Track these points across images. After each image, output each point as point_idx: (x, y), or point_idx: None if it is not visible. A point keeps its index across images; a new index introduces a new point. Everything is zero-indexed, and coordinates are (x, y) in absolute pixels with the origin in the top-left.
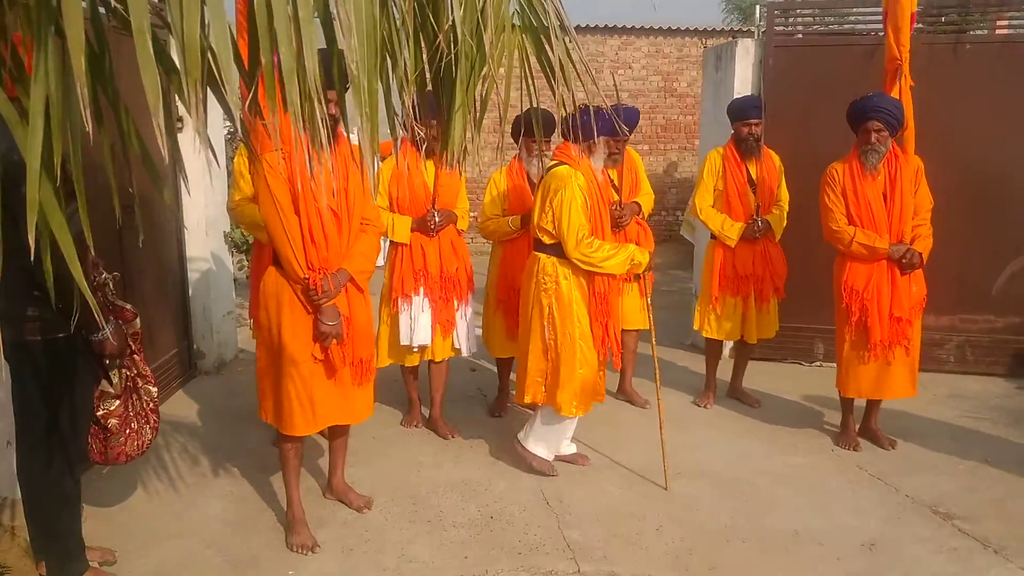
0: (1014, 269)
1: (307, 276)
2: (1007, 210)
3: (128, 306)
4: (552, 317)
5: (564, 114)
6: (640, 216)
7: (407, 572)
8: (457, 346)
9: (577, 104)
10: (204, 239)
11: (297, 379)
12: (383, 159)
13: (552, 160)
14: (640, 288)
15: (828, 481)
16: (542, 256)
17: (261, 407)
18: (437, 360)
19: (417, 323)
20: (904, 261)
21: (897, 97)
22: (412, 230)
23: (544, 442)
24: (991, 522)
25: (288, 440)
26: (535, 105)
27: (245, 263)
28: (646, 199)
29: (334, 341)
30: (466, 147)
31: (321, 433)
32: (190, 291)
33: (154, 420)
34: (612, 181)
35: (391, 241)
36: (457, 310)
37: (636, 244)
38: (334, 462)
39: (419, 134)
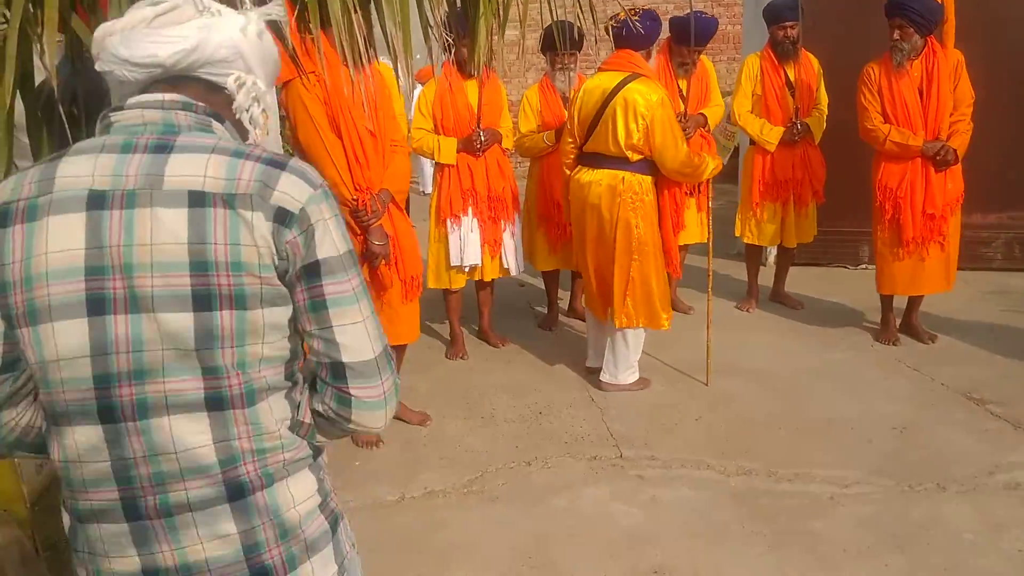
0: None
1: (355, 197)
2: None
3: None
4: (642, 234)
5: (619, 19)
6: (705, 128)
7: (464, 459)
8: (506, 265)
9: (636, 9)
10: None
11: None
12: (422, 84)
13: (617, 71)
14: (698, 202)
15: (865, 373)
16: (626, 175)
17: None
18: (487, 279)
19: (467, 243)
20: (939, 158)
21: None
22: (458, 151)
23: (631, 366)
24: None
25: None
26: (560, 18)
27: None
28: (715, 110)
29: (382, 260)
30: (491, 52)
31: None
32: None
33: None
34: (680, 90)
35: (437, 163)
36: (504, 230)
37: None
38: None
39: (458, 52)
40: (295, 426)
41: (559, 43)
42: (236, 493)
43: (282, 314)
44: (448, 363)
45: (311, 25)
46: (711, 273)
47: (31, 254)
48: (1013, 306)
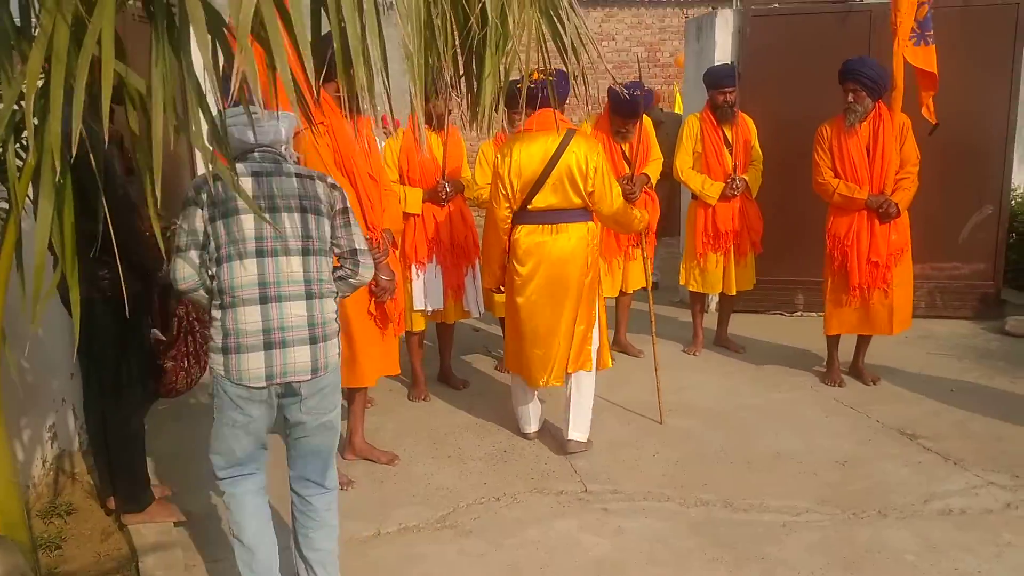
0: (977, 219)
1: (369, 236)
2: (971, 163)
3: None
4: (596, 280)
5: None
6: (648, 185)
7: (435, 496)
8: (467, 308)
9: (548, 70)
10: None
11: (357, 335)
12: (392, 134)
13: (549, 131)
14: (641, 250)
15: (807, 412)
16: (590, 224)
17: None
18: (449, 323)
19: (430, 288)
20: (881, 211)
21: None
22: (423, 201)
23: (589, 419)
24: (953, 440)
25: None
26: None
27: None
28: (654, 165)
29: (389, 296)
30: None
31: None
32: None
33: (204, 360)
34: (623, 153)
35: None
36: (466, 275)
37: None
38: (355, 422)
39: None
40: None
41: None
42: (309, 296)
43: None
44: (411, 405)
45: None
46: (653, 319)
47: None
48: (937, 350)
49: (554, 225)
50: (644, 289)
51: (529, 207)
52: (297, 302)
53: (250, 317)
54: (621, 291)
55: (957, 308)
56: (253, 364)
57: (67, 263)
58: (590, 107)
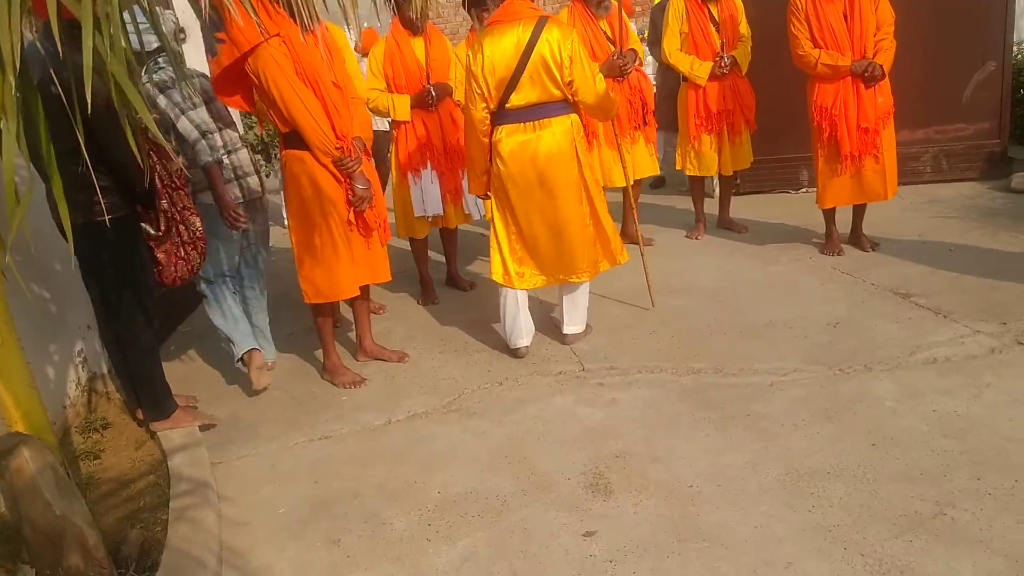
0: (980, 77)
1: (340, 145)
2: (970, 17)
3: (168, 145)
4: (595, 172)
5: None
6: (638, 63)
7: (442, 386)
8: (467, 211)
9: None
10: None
11: (341, 245)
12: (365, 51)
13: (518, 21)
14: (645, 135)
15: (803, 281)
16: (573, 117)
17: (304, 291)
18: (451, 227)
19: (428, 194)
20: (867, 75)
21: None
22: (412, 107)
23: (585, 311)
24: (945, 295)
25: (322, 306)
26: None
27: (263, 164)
28: (638, 47)
29: (368, 204)
30: (428, 7)
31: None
32: None
33: (200, 247)
34: (604, 32)
35: (393, 120)
36: (463, 178)
37: (640, 92)
38: (362, 327)
39: (403, 11)
40: None
41: None
42: None
43: None
44: (421, 308)
45: None
46: (635, 204)
47: None
48: (940, 212)
49: (537, 121)
50: (654, 177)
51: (507, 105)
52: None
53: None
54: None
55: (964, 170)
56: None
57: (52, 179)
58: None
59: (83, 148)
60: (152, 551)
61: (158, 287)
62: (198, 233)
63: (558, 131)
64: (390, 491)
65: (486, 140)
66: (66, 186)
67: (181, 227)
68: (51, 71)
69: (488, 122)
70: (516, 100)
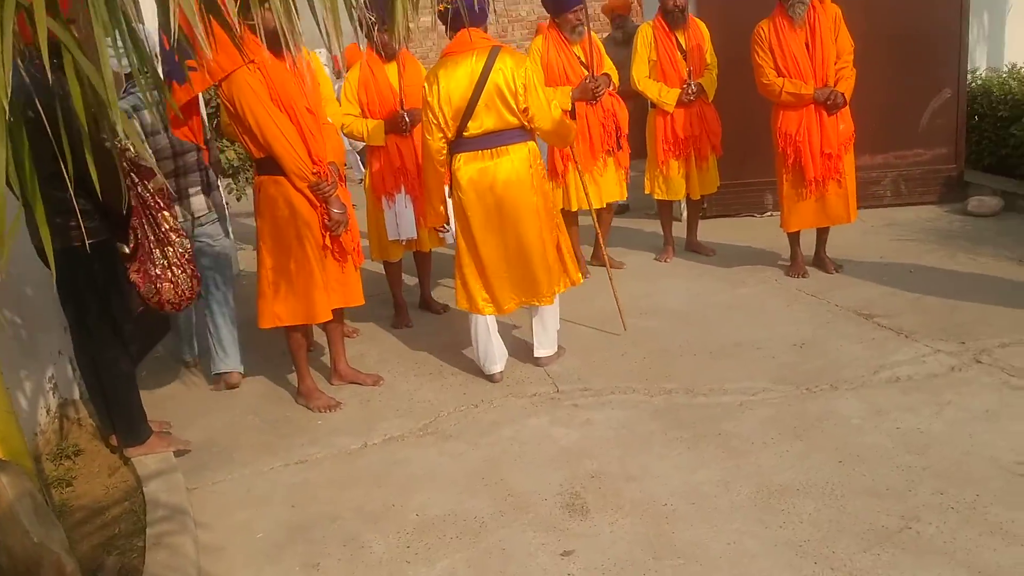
0: (936, 104)
1: (316, 170)
2: (926, 47)
3: (148, 165)
4: (551, 197)
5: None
6: (612, 88)
7: (417, 409)
8: (441, 236)
9: None
10: None
11: (316, 269)
12: (348, 68)
13: (471, 52)
14: (616, 160)
15: (770, 303)
16: (531, 144)
17: (268, 314)
18: (425, 251)
19: (402, 218)
20: (829, 102)
21: None
22: (386, 132)
23: (555, 333)
24: (907, 316)
25: (296, 330)
26: None
27: (233, 186)
28: (612, 72)
29: (343, 228)
30: (408, 32)
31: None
32: None
33: (191, 269)
34: (578, 57)
35: (367, 145)
36: None
37: (614, 116)
38: (336, 350)
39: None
40: None
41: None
42: None
43: None
44: (395, 332)
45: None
46: (606, 229)
47: None
48: (900, 235)
49: (494, 149)
50: (619, 203)
51: (465, 134)
52: None
53: None
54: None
55: (922, 194)
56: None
57: (34, 203)
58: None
59: (66, 172)
60: None
61: (152, 310)
62: (187, 256)
63: (516, 158)
64: (368, 514)
65: (443, 170)
66: (45, 211)
67: (168, 248)
68: (33, 96)
69: (445, 152)
70: (473, 128)
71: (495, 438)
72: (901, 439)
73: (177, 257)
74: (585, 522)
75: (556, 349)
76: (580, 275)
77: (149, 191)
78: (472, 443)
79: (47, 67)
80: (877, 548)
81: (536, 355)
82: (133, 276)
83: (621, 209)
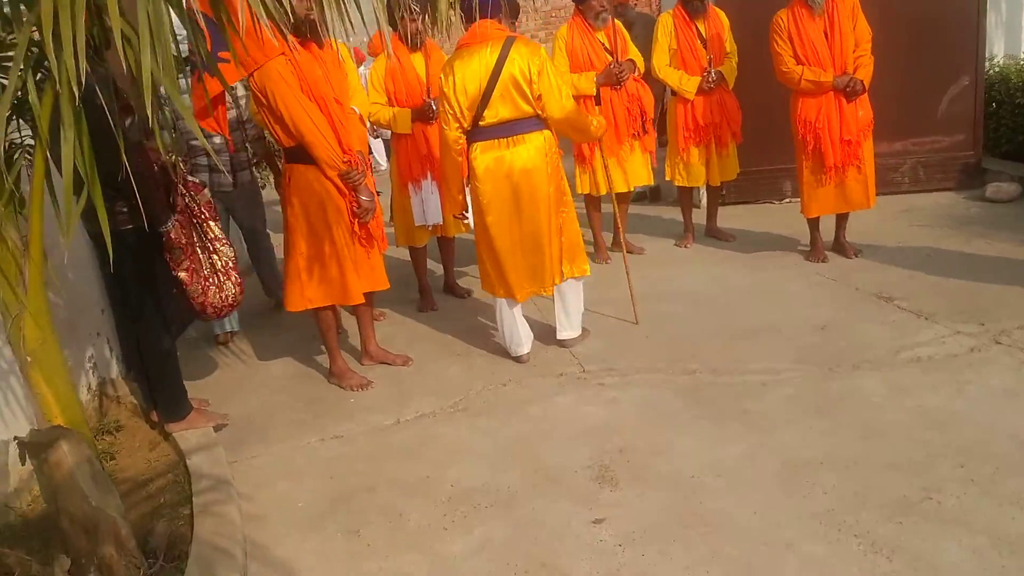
0: (954, 91)
1: (347, 159)
2: (944, 34)
3: (196, 180)
4: (565, 185)
5: None
6: (636, 73)
7: (447, 387)
8: (466, 221)
9: None
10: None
11: (347, 254)
12: (374, 56)
13: (486, 43)
14: (642, 145)
15: (791, 287)
16: (547, 132)
17: (299, 298)
18: (449, 236)
19: (428, 204)
20: (848, 89)
21: None
22: (412, 120)
23: (580, 311)
24: (926, 298)
25: (325, 311)
26: None
27: (258, 175)
28: (637, 58)
29: (372, 215)
30: (450, 21)
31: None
32: None
33: (235, 277)
34: (602, 43)
35: (394, 133)
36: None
37: (639, 100)
38: (366, 333)
39: (407, 27)
40: None
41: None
42: None
43: None
44: (421, 315)
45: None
46: (621, 220)
47: None
48: (918, 221)
49: (510, 138)
50: (638, 189)
51: (481, 123)
52: None
53: None
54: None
55: (940, 180)
56: None
57: (92, 186)
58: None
59: (124, 158)
60: (178, 543)
61: (198, 317)
62: (231, 264)
63: (532, 147)
64: (404, 485)
65: (460, 159)
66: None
67: (213, 256)
68: (94, 87)
69: (462, 141)
70: (489, 117)
71: (524, 415)
72: (922, 416)
73: (223, 265)
74: (615, 493)
75: (580, 332)
76: (587, 266)
77: (197, 203)
78: (502, 420)
79: (123, 57)
80: (899, 517)
81: (559, 337)
82: (181, 274)
83: (653, 195)
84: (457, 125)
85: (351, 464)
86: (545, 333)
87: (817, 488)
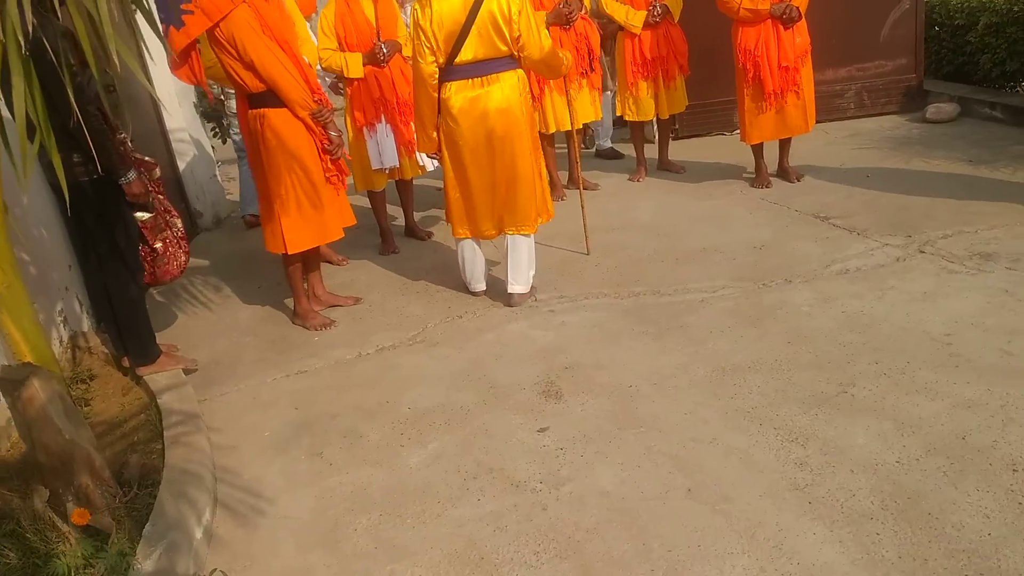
0: (895, 16)
1: (317, 97)
2: None
3: (148, 158)
4: (535, 127)
5: None
6: (583, 12)
7: (406, 322)
8: (421, 164)
9: None
10: (178, 110)
11: (323, 192)
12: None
13: None
14: (590, 82)
15: (734, 212)
16: (520, 72)
17: (292, 240)
18: (407, 179)
19: (384, 147)
20: (785, 17)
21: None
22: (364, 64)
23: (529, 272)
24: (860, 216)
25: (297, 258)
26: None
27: (217, 130)
28: None
29: (342, 149)
30: None
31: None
32: (176, 159)
33: (185, 246)
34: None
35: (346, 78)
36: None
37: (587, 39)
38: (314, 277)
39: None
40: None
41: None
42: None
43: None
44: (382, 258)
45: None
46: (578, 151)
47: None
48: (861, 145)
49: (485, 77)
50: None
51: (456, 61)
52: None
53: None
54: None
55: (884, 104)
56: None
57: (47, 136)
58: None
59: (75, 106)
60: (151, 474)
61: (152, 284)
62: (180, 233)
63: (506, 86)
64: (365, 410)
65: (435, 95)
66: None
67: (166, 230)
68: (41, 38)
69: (436, 76)
70: (464, 55)
71: (478, 342)
72: (845, 321)
73: (175, 235)
74: (559, 405)
75: (530, 288)
76: (552, 210)
77: (150, 179)
78: (458, 347)
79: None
80: (815, 410)
81: (509, 291)
82: (157, 245)
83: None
84: (433, 59)
85: (315, 395)
86: (502, 269)
87: (743, 389)
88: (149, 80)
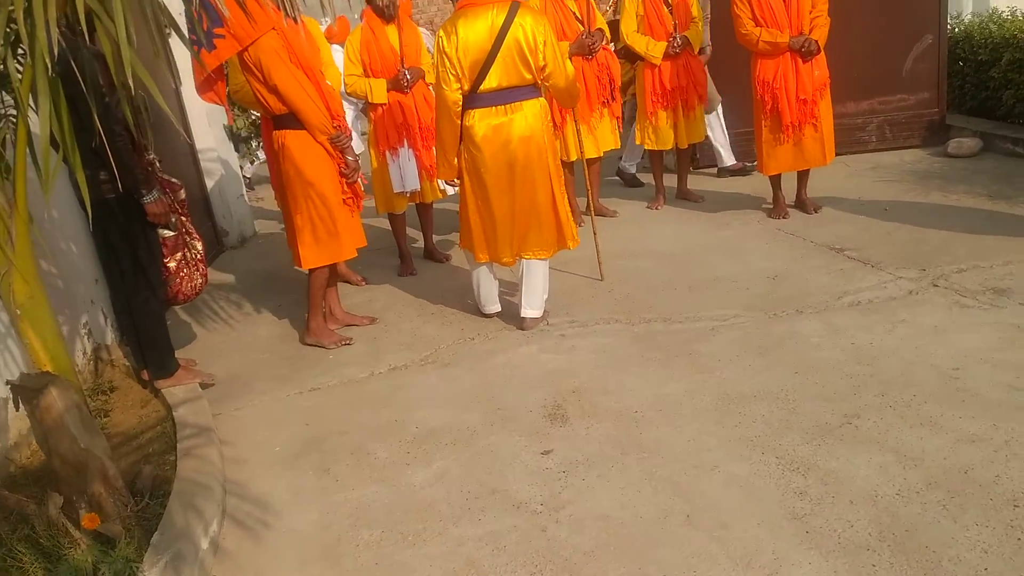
0: (918, 50)
1: (336, 123)
2: None
3: (174, 180)
4: (557, 155)
5: None
6: (605, 42)
7: (419, 343)
8: (442, 188)
9: None
10: (207, 130)
11: (339, 213)
12: (334, 40)
13: (490, 5)
14: (610, 111)
15: (750, 242)
16: (542, 100)
17: (313, 256)
18: (427, 202)
19: (406, 171)
20: (804, 50)
21: None
22: (388, 90)
23: (542, 297)
24: (876, 248)
25: (324, 273)
26: None
27: (246, 151)
28: (604, 26)
29: (360, 174)
30: None
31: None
32: (205, 178)
33: (202, 268)
34: (574, 12)
35: (370, 103)
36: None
37: (608, 69)
38: (332, 297)
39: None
40: None
41: None
42: None
43: None
44: (400, 279)
45: None
46: (591, 180)
47: None
48: (881, 177)
49: (508, 105)
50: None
51: (480, 89)
52: None
53: None
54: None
55: (906, 138)
56: None
57: (71, 153)
58: None
59: (99, 127)
60: (164, 485)
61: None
62: (199, 256)
63: (529, 114)
64: (373, 429)
65: (458, 122)
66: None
67: (185, 249)
68: (70, 59)
69: (461, 104)
70: (489, 83)
71: (489, 364)
72: (854, 352)
73: (193, 258)
74: (564, 428)
75: (542, 312)
76: (576, 239)
77: (174, 200)
78: (468, 369)
79: (85, 31)
80: (818, 440)
81: (522, 315)
82: (171, 264)
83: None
84: (458, 86)
85: (326, 412)
86: (514, 292)
87: (747, 418)
88: (180, 102)
